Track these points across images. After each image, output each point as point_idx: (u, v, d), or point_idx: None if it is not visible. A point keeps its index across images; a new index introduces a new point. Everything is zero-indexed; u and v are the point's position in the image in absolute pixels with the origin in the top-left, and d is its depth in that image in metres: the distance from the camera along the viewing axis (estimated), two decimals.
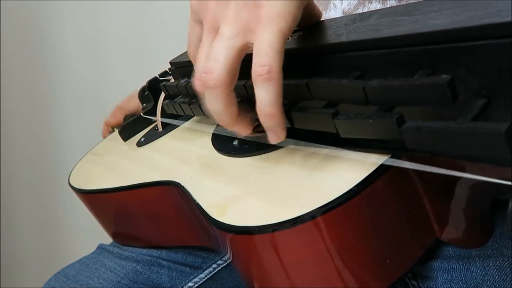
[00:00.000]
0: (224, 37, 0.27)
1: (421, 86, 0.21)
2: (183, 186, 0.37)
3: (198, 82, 0.29)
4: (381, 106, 0.24)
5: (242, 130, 0.30)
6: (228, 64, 0.27)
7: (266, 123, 0.27)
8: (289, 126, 0.29)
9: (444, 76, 0.20)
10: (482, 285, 0.31)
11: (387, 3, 0.40)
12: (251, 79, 0.26)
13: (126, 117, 0.65)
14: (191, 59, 0.34)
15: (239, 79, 0.28)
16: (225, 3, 0.27)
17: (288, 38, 0.27)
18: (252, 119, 0.30)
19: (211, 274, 0.49)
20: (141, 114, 0.58)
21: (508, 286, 0.31)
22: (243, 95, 0.32)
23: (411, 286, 0.36)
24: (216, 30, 0.28)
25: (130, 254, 0.50)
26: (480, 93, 0.20)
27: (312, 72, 0.29)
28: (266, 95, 0.26)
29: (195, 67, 0.33)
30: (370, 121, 0.23)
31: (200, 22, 0.30)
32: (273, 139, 0.28)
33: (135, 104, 0.64)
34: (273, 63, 0.25)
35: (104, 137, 0.68)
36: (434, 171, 0.22)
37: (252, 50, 0.26)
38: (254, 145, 0.36)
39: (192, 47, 0.33)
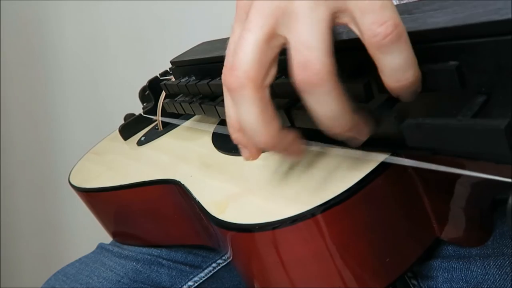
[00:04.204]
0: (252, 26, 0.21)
1: (429, 73, 0.21)
2: (183, 185, 0.37)
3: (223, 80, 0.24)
4: (385, 101, 0.23)
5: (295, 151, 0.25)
6: (257, 56, 0.22)
7: (409, 89, 0.21)
8: (289, 125, 0.29)
9: (452, 62, 0.20)
10: (483, 284, 0.31)
11: None
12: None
13: (126, 117, 0.65)
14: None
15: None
16: None
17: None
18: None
19: (211, 273, 0.49)
20: (142, 113, 0.58)
21: (509, 285, 0.31)
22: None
23: (411, 285, 0.36)
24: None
25: (130, 253, 0.50)
26: (480, 90, 0.20)
27: None
28: (402, 57, 0.20)
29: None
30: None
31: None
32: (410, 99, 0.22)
33: None
34: (395, 16, 0.20)
35: None
36: (434, 169, 0.22)
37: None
38: None
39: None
